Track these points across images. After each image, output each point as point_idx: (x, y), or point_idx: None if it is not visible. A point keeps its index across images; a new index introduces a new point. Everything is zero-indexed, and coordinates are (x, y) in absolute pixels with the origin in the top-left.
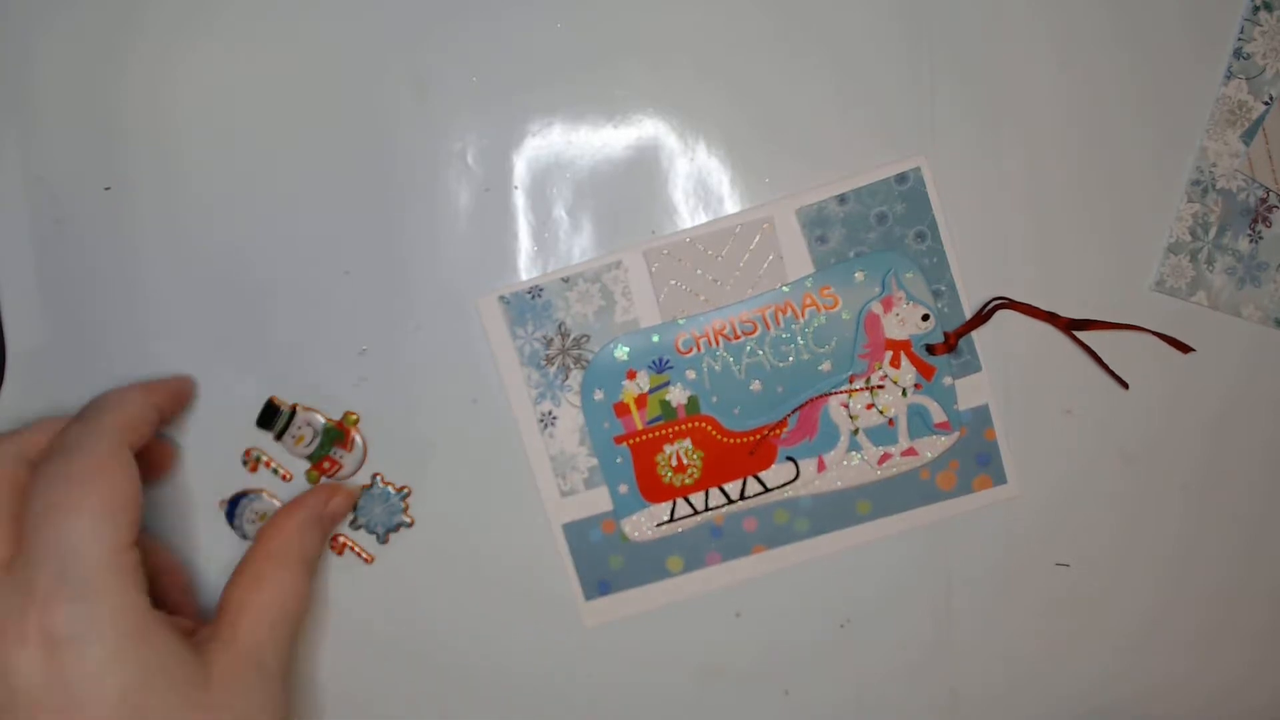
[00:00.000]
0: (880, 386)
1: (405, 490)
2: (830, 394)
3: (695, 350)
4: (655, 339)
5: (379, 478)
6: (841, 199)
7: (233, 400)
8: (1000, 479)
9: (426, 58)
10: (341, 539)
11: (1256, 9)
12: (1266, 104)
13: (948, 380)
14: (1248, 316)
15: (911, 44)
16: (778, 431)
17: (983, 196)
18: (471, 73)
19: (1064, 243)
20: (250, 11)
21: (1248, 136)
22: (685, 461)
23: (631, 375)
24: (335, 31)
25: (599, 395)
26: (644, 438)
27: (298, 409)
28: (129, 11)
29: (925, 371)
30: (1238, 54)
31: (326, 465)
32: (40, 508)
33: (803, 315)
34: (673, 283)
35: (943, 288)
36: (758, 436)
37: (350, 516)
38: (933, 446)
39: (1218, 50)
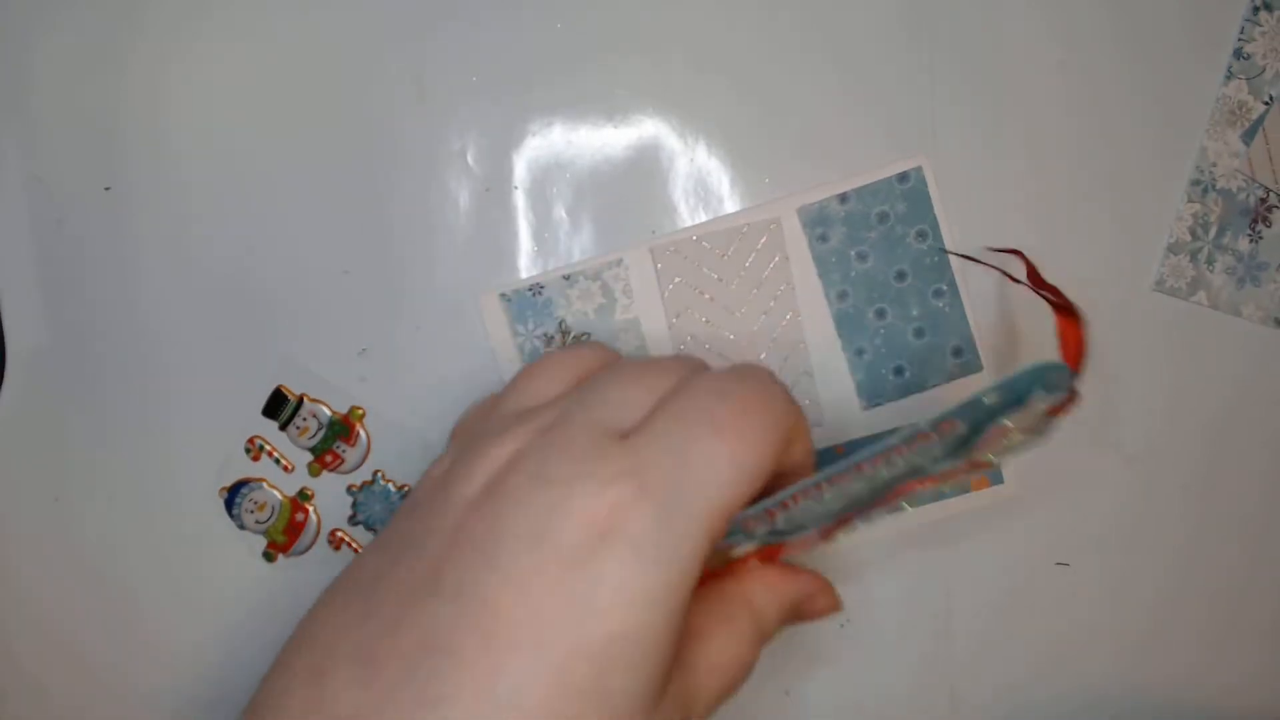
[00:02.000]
0: (987, 464)
1: (405, 489)
2: (924, 481)
3: (767, 520)
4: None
5: (380, 474)
6: (843, 198)
7: (233, 393)
8: (998, 479)
9: (426, 57)
10: (339, 534)
11: (1256, 9)
12: (1266, 104)
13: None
14: (1248, 316)
15: (912, 43)
16: (855, 515)
17: (983, 196)
18: (471, 72)
19: (1064, 242)
20: (250, 11)
21: (1248, 136)
22: None
23: None
24: (335, 31)
25: None
26: (704, 576)
27: (305, 399)
28: (128, 11)
29: (1036, 427)
30: (1238, 54)
31: (329, 459)
32: (692, 411)
33: (911, 450)
34: (678, 280)
35: (943, 287)
36: (834, 526)
37: (349, 513)
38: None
39: (1218, 50)
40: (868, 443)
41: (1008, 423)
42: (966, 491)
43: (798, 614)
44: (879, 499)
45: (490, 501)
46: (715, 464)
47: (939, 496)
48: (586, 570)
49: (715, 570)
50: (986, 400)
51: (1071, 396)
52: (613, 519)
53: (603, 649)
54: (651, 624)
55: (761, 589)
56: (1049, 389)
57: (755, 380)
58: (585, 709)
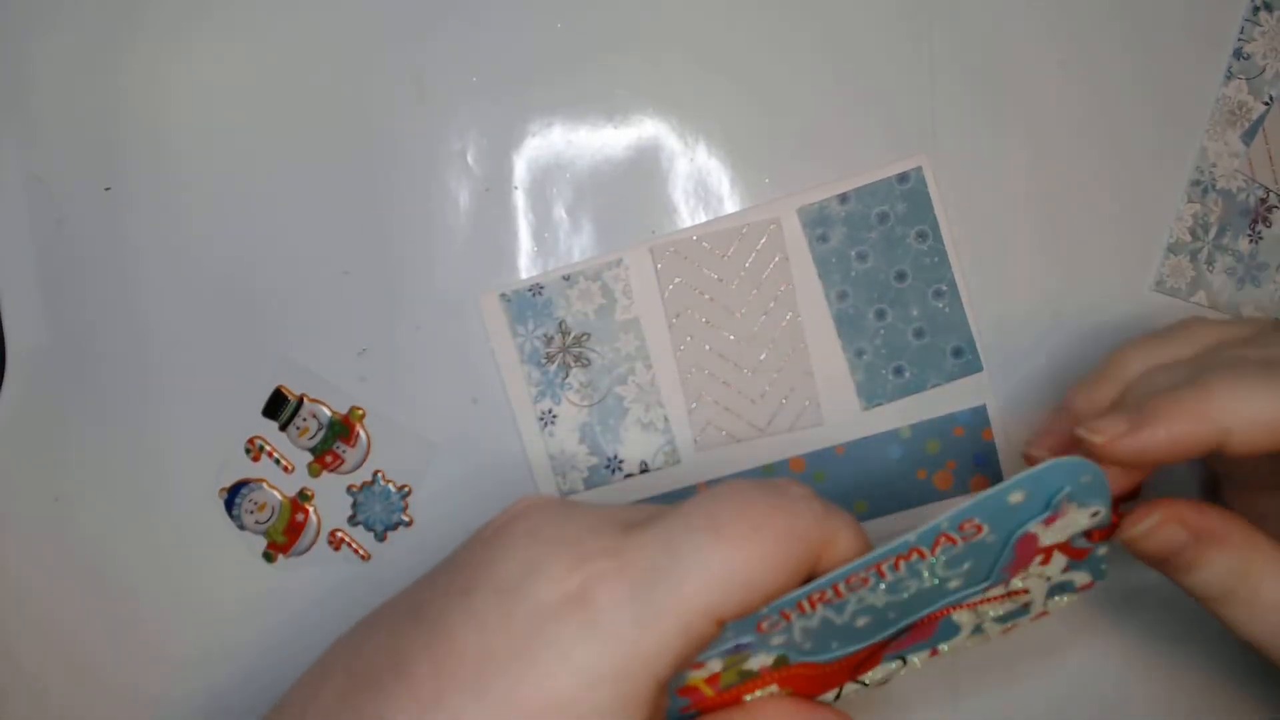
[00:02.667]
0: (1025, 590)
1: (405, 489)
2: (958, 606)
3: (783, 624)
4: (729, 632)
5: (380, 474)
6: (843, 198)
7: (233, 393)
8: (997, 479)
9: (426, 57)
10: (339, 534)
11: (1256, 9)
12: (1266, 104)
13: (1102, 550)
14: (1248, 316)
15: (913, 43)
16: (886, 646)
17: (984, 196)
18: (472, 72)
19: (1064, 242)
20: (250, 11)
21: (1248, 136)
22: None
23: (698, 666)
24: (335, 31)
25: None
26: (718, 700)
27: (305, 399)
28: (128, 11)
29: (1078, 555)
30: (1238, 54)
31: (329, 459)
32: None
33: (932, 554)
34: (678, 280)
35: (944, 287)
36: (863, 655)
37: (349, 513)
38: (1065, 603)
39: (1218, 50)
40: (865, 444)
41: (1036, 531)
42: (1013, 624)
43: None
44: (911, 627)
45: (490, 544)
46: (705, 561)
47: (978, 631)
48: (544, 630)
49: (729, 693)
50: (1011, 499)
51: (1116, 523)
52: (584, 589)
53: (537, 711)
54: (594, 703)
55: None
56: (1081, 497)
57: (777, 490)
58: None
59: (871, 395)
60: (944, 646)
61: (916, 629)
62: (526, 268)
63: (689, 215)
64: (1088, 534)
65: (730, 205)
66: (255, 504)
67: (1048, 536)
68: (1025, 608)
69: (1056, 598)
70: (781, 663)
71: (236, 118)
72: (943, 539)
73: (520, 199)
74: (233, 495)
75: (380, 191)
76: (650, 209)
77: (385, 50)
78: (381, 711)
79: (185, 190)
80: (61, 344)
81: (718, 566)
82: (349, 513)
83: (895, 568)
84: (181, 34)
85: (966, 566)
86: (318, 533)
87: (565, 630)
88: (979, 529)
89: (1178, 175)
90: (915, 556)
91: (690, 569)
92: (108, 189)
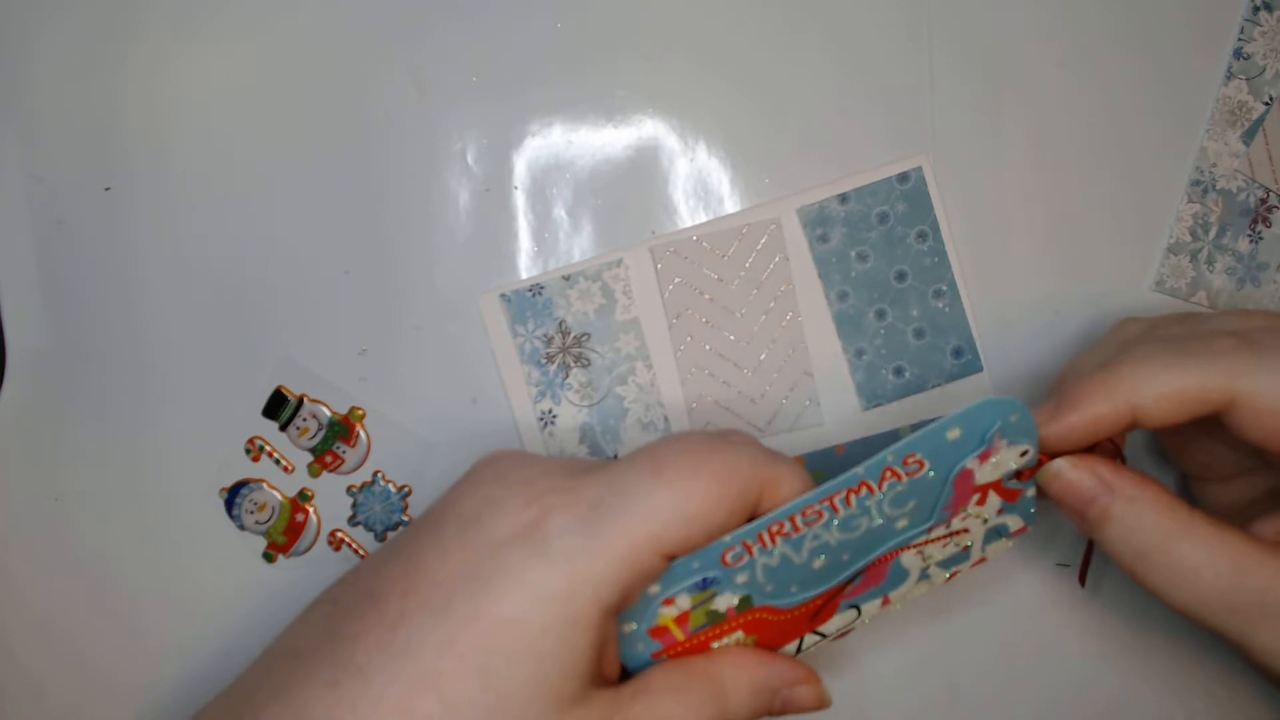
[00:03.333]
0: (964, 530)
1: (405, 489)
2: (904, 548)
3: (746, 557)
4: (695, 564)
5: (380, 475)
6: (843, 198)
7: (233, 393)
8: None
9: (426, 57)
10: (340, 534)
11: (1256, 9)
12: (1266, 104)
13: (1030, 493)
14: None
15: (913, 43)
16: (841, 593)
17: (984, 196)
18: (472, 72)
19: (1064, 242)
20: (250, 11)
21: (1248, 137)
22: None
23: (669, 603)
24: (335, 31)
25: (629, 628)
26: (687, 645)
27: (305, 400)
28: (128, 11)
29: (1010, 496)
30: (1238, 54)
31: (329, 459)
32: None
33: (879, 488)
34: (678, 280)
35: (944, 287)
36: (820, 602)
37: (349, 514)
38: (1001, 548)
39: (1218, 50)
40: (868, 444)
41: (972, 467)
42: (956, 570)
43: (776, 704)
44: (864, 571)
45: (459, 485)
46: (648, 496)
47: (924, 577)
48: (500, 556)
49: (697, 637)
50: (949, 435)
51: (1043, 459)
52: (536, 520)
53: (490, 630)
54: (543, 620)
55: (731, 668)
56: (1011, 435)
57: (721, 436)
58: (468, 683)
59: (871, 395)
60: (894, 594)
61: (869, 572)
62: (526, 268)
63: (689, 215)
64: (1018, 474)
65: (730, 205)
66: (255, 504)
67: (982, 474)
68: (965, 551)
69: (994, 543)
70: (746, 605)
71: (236, 118)
72: (888, 473)
73: (520, 199)
74: (233, 495)
75: (380, 191)
76: (650, 209)
77: (385, 50)
78: (354, 630)
79: (185, 190)
80: (61, 344)
81: (659, 501)
82: (349, 513)
83: (847, 502)
84: (181, 34)
85: (911, 504)
86: (318, 533)
87: (519, 555)
88: (921, 464)
89: (1178, 175)
90: (864, 491)
91: (633, 503)
92: (108, 189)
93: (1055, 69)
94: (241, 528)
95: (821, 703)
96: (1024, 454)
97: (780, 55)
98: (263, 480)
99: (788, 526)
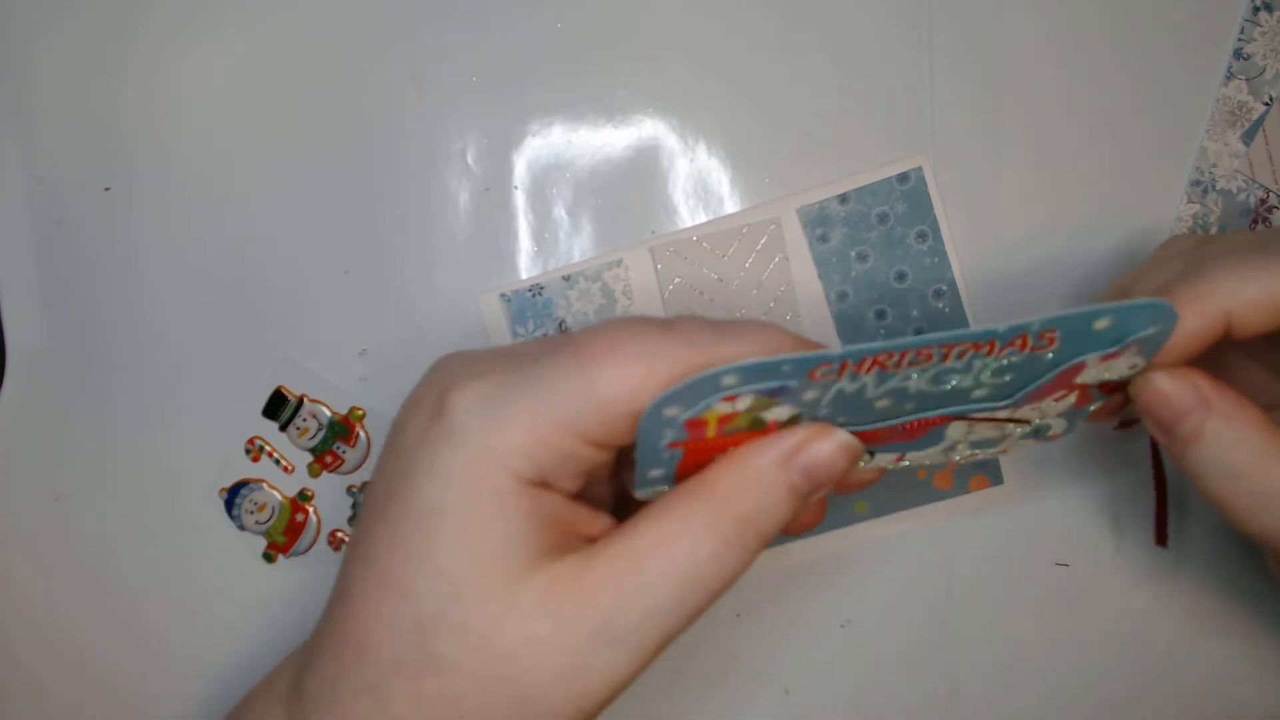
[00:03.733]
0: (1025, 420)
1: None
2: (963, 417)
3: (834, 377)
4: (786, 369)
5: None
6: (843, 198)
7: (233, 393)
8: (997, 479)
9: (426, 57)
10: (340, 535)
11: (1256, 9)
12: (1266, 104)
13: (1096, 405)
14: None
15: (913, 43)
16: (873, 436)
17: (984, 196)
18: (472, 72)
19: (1065, 242)
20: (250, 11)
21: (1248, 137)
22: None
23: (730, 399)
24: (335, 31)
25: (672, 412)
26: (709, 444)
27: (305, 400)
28: (128, 11)
29: (1085, 401)
30: (1238, 54)
31: (329, 459)
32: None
33: (1000, 354)
34: (678, 280)
35: (943, 287)
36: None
37: (350, 514)
38: (1025, 446)
39: (1218, 50)
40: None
41: (1089, 363)
42: (975, 454)
43: (798, 479)
44: (906, 425)
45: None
46: (563, 378)
47: (950, 450)
48: (418, 450)
49: (729, 439)
50: (1096, 325)
51: (1121, 389)
52: (440, 403)
53: (421, 520)
54: (460, 503)
55: (726, 470)
56: (1145, 346)
57: (664, 324)
58: (422, 577)
59: None
60: (912, 455)
61: (912, 425)
62: (526, 268)
63: (689, 215)
64: (1104, 384)
65: (730, 205)
66: (255, 504)
67: (1090, 374)
68: (1002, 439)
69: (1029, 440)
70: (791, 422)
71: (236, 118)
72: (1020, 341)
73: (520, 199)
74: (233, 495)
75: (380, 191)
76: (650, 209)
77: (385, 50)
78: (355, 549)
79: (185, 190)
80: (61, 344)
81: (571, 384)
82: (349, 513)
83: (961, 356)
84: (181, 34)
85: (1008, 379)
86: (318, 533)
87: (431, 444)
88: (1051, 343)
89: (1178, 175)
90: (986, 350)
91: (541, 384)
92: (108, 189)
93: (1055, 69)
94: (241, 528)
95: (852, 451)
96: (1133, 367)
97: (780, 55)
98: (263, 480)
99: (894, 360)
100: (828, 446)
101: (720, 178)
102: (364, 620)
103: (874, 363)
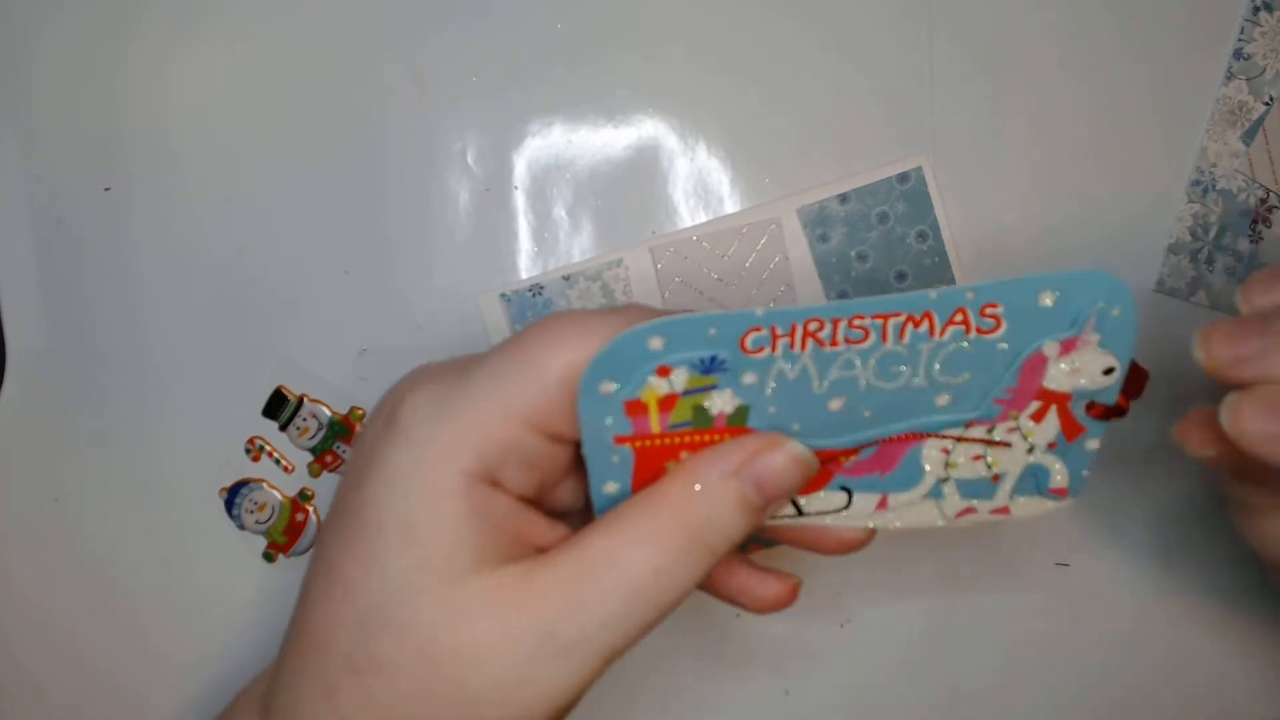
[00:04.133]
0: (1004, 444)
1: None
2: (932, 435)
3: (768, 350)
4: (712, 331)
5: None
6: (843, 198)
7: (233, 393)
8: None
9: (426, 57)
10: None
11: (1256, 9)
12: (1266, 104)
13: (1092, 444)
14: None
15: (913, 43)
16: (843, 458)
17: (984, 196)
18: (472, 72)
19: (1065, 243)
20: (249, 11)
21: (1248, 137)
22: None
23: (664, 372)
24: (334, 31)
25: (608, 388)
26: (657, 442)
27: (305, 400)
28: (128, 11)
29: (1071, 431)
30: (1238, 54)
31: (329, 459)
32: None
33: (941, 334)
34: (678, 280)
35: (944, 288)
36: (819, 458)
37: None
38: (1030, 508)
39: (1218, 50)
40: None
41: (1048, 353)
42: (970, 506)
43: (750, 492)
44: (878, 444)
45: None
46: (507, 369)
47: (935, 494)
48: (371, 456)
49: (672, 436)
50: (1040, 298)
51: (1123, 408)
52: (392, 413)
53: (366, 522)
54: (405, 503)
55: (686, 486)
56: (1106, 331)
57: (609, 309)
58: (369, 578)
59: None
60: (895, 499)
61: (881, 450)
62: (526, 267)
63: (689, 215)
64: (1090, 405)
65: (730, 205)
66: (255, 504)
67: (1055, 373)
68: (994, 482)
69: (1027, 496)
70: (739, 419)
71: (236, 118)
72: (960, 314)
73: (520, 199)
74: (233, 495)
75: (380, 191)
76: (650, 209)
77: (385, 50)
78: (315, 552)
79: (185, 190)
80: (61, 344)
81: (516, 372)
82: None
83: (900, 334)
84: (181, 34)
85: (964, 377)
86: (318, 533)
87: (382, 449)
88: (997, 323)
89: (1178, 175)
90: (925, 325)
91: (487, 377)
92: (108, 189)
93: (1055, 69)
94: (241, 528)
95: (804, 463)
96: (1108, 371)
97: (780, 55)
98: (263, 480)
99: (826, 330)
100: (779, 457)
101: (720, 177)
102: (319, 620)
103: (805, 334)
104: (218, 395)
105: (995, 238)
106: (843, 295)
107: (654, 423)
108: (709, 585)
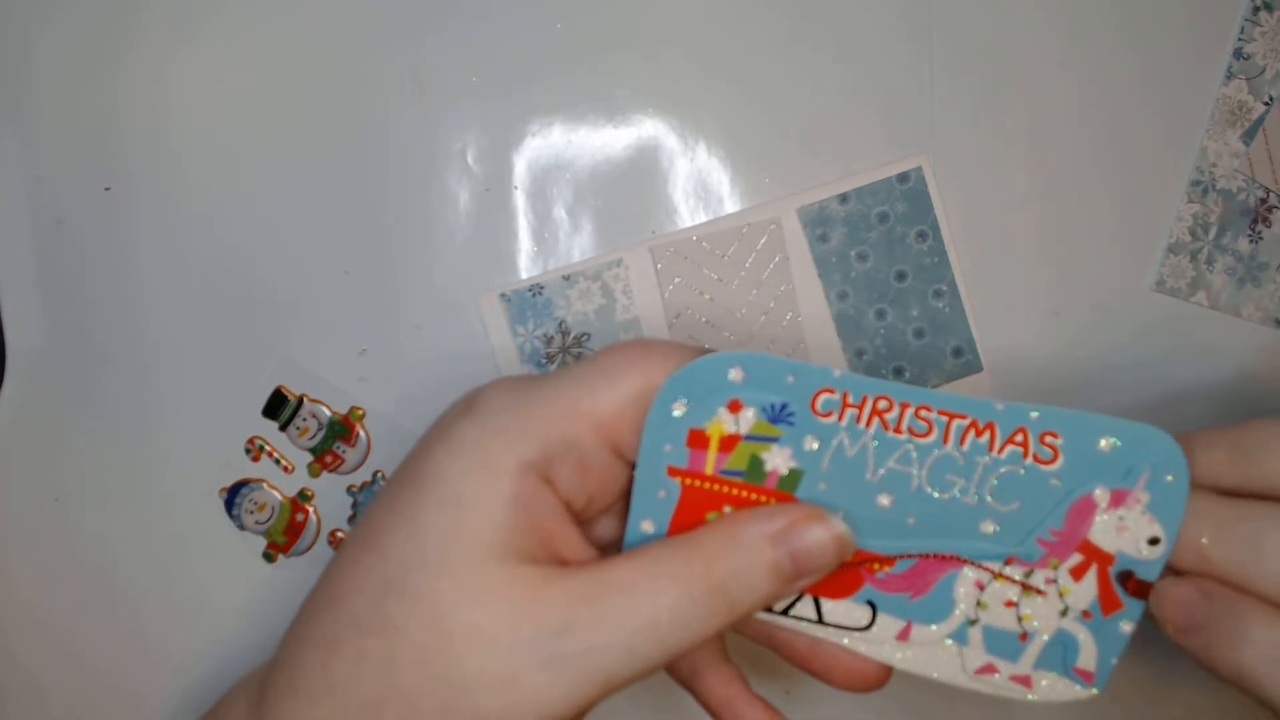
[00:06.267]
0: (1040, 592)
1: None
2: (971, 563)
3: (835, 417)
4: (791, 379)
5: (380, 475)
6: (843, 198)
7: (233, 393)
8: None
9: (426, 57)
10: (340, 534)
11: (1256, 9)
12: (1266, 104)
13: (1126, 627)
14: (1248, 316)
15: (913, 43)
16: (875, 566)
17: (984, 196)
18: (472, 72)
19: (1065, 243)
20: (250, 12)
21: (1248, 136)
22: None
23: (735, 407)
24: (334, 31)
25: (678, 409)
26: (706, 485)
27: (304, 399)
28: (128, 11)
29: (1109, 604)
30: (1238, 54)
31: (329, 459)
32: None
33: (1000, 451)
34: (678, 280)
35: (944, 288)
36: (852, 560)
37: (350, 514)
38: (1054, 690)
39: (1218, 50)
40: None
41: (1098, 499)
42: (990, 665)
43: (783, 560)
44: (915, 560)
45: None
46: (582, 374)
47: (960, 636)
48: (440, 428)
49: (716, 483)
50: (1100, 442)
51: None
52: (473, 399)
53: (418, 483)
54: (459, 469)
55: (723, 537)
56: (1157, 493)
57: (637, 340)
58: (398, 536)
59: None
60: (919, 630)
61: (919, 567)
62: (526, 268)
63: (689, 215)
64: (1128, 578)
65: (730, 205)
66: (255, 504)
67: (1100, 526)
68: (1022, 641)
69: (1051, 670)
70: (790, 484)
71: (236, 118)
72: (1020, 434)
73: (520, 199)
74: (233, 495)
75: (380, 191)
76: (650, 209)
77: (385, 50)
78: (363, 518)
79: (185, 190)
80: (61, 344)
81: (590, 375)
82: (349, 513)
83: (961, 439)
84: (181, 34)
85: (1013, 505)
86: (318, 533)
87: (452, 421)
88: (1055, 454)
89: (1178, 175)
90: (986, 437)
91: (565, 380)
92: (108, 189)
93: (1055, 69)
94: (241, 528)
95: (844, 543)
96: (1153, 541)
97: (780, 55)
98: (263, 480)
99: (893, 413)
100: (822, 532)
101: (720, 177)
102: (340, 576)
103: (874, 411)
104: (218, 395)
105: (995, 238)
106: (843, 296)
107: (710, 462)
108: (699, 687)
